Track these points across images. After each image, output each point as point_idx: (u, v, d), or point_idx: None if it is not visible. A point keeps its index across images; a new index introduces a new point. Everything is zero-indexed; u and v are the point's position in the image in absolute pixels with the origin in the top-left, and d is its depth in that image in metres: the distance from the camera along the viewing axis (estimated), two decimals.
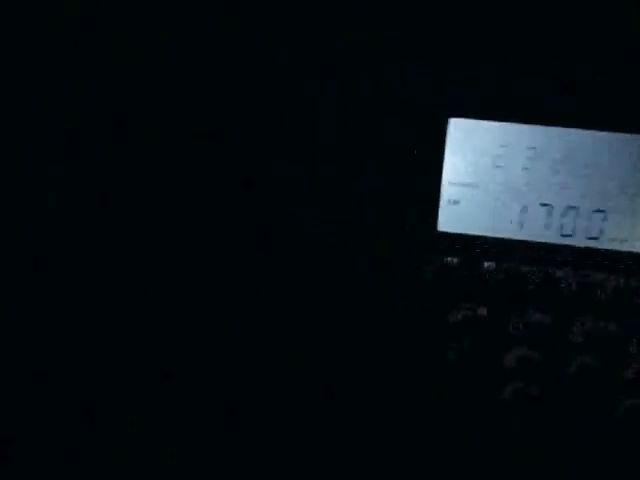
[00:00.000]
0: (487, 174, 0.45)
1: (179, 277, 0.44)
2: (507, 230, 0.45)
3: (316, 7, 0.44)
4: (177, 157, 0.44)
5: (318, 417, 0.45)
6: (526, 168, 0.45)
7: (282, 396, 0.45)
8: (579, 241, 0.45)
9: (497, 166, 0.45)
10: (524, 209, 0.45)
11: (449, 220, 0.46)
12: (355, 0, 0.44)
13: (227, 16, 0.43)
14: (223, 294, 0.45)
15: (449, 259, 0.45)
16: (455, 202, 0.45)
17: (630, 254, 0.44)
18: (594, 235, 0.45)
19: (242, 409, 0.45)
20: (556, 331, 0.45)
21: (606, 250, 0.44)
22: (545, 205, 0.45)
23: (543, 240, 0.45)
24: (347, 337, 0.45)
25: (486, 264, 0.45)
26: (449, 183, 0.45)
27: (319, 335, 0.45)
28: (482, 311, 0.45)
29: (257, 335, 0.45)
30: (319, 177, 0.45)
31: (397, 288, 0.45)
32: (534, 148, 0.45)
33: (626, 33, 0.43)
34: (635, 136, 0.44)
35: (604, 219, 0.44)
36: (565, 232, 0.45)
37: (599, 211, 0.45)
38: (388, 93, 0.45)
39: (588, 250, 0.45)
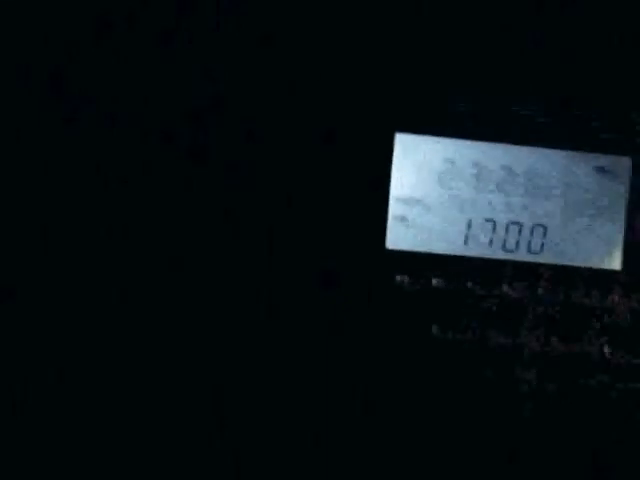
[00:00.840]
0: (433, 190, 0.45)
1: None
2: (453, 246, 0.45)
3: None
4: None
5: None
6: (470, 184, 0.45)
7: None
8: (521, 256, 0.46)
9: (442, 182, 0.45)
10: (469, 224, 0.45)
11: (397, 237, 0.45)
12: (305, 13, 0.42)
13: None
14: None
15: (399, 278, 0.45)
16: (402, 219, 0.45)
17: (570, 268, 0.45)
18: (535, 250, 0.46)
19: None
20: (506, 346, 0.45)
21: (547, 264, 0.45)
22: (489, 221, 0.45)
23: (487, 255, 0.45)
24: (297, 357, 0.44)
25: (434, 281, 0.45)
26: (396, 199, 0.45)
27: (268, 358, 0.43)
28: (434, 329, 0.45)
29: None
30: (263, 192, 0.43)
31: (347, 309, 0.44)
32: (478, 164, 0.45)
33: (573, 45, 0.44)
34: (574, 153, 0.45)
35: (545, 234, 0.46)
36: (508, 247, 0.45)
37: (540, 226, 0.46)
38: (335, 108, 0.44)
39: (530, 264, 0.45)
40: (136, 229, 0.42)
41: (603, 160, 0.45)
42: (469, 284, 0.45)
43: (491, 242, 0.45)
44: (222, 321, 0.43)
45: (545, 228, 0.46)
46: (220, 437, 0.43)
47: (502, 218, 0.45)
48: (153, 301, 0.42)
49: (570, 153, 0.45)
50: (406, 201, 0.45)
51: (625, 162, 0.46)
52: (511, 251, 0.46)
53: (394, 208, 0.45)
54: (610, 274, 0.46)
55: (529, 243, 0.46)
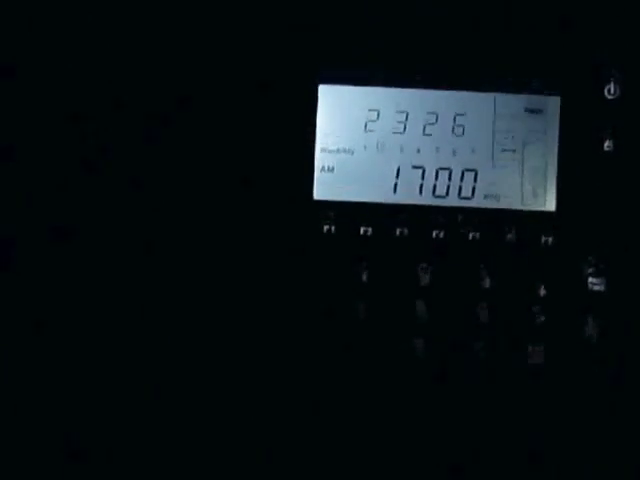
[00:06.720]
0: (359, 139, 0.45)
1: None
2: (382, 194, 0.45)
3: None
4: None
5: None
6: (397, 132, 0.45)
7: None
8: (452, 201, 0.45)
9: (369, 131, 0.45)
10: (397, 172, 0.45)
11: (324, 188, 0.45)
12: None
13: None
14: None
15: (326, 227, 0.45)
16: (330, 169, 0.45)
17: (503, 211, 0.45)
18: (466, 195, 0.45)
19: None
20: (438, 291, 0.45)
21: (479, 208, 0.45)
22: (417, 167, 0.45)
23: (417, 202, 0.45)
24: (229, 312, 0.44)
25: (362, 230, 0.45)
26: (322, 150, 0.45)
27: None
28: (364, 276, 0.45)
29: None
30: (191, 153, 0.45)
31: (277, 260, 0.45)
32: (404, 111, 0.45)
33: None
34: (502, 95, 0.45)
35: (475, 178, 0.45)
36: (438, 193, 0.45)
37: (470, 170, 0.45)
38: (258, 63, 0.45)
39: (462, 209, 0.45)
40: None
41: (532, 100, 0.45)
42: (398, 231, 0.45)
43: (421, 189, 0.45)
44: None
45: (476, 172, 0.45)
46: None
47: (431, 164, 0.45)
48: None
49: (498, 95, 0.45)
50: (332, 152, 0.45)
51: (554, 101, 0.45)
52: (441, 197, 0.45)
53: (320, 159, 0.45)
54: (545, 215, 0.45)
55: (460, 188, 0.45)
